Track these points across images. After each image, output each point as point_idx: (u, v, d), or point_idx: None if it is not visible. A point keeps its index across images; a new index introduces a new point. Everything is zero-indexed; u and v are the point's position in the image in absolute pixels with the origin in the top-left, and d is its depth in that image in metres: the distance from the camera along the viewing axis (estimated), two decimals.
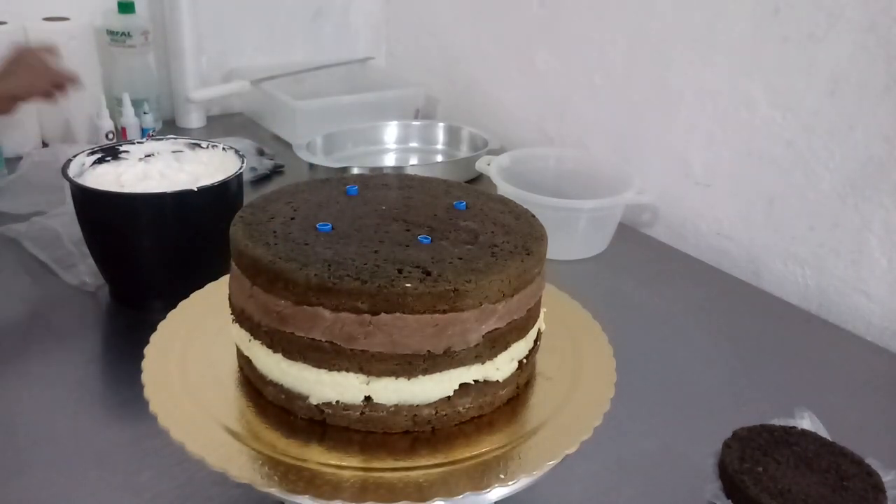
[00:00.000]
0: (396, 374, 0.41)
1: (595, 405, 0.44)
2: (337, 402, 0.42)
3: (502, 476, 0.39)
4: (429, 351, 0.40)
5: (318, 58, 1.44)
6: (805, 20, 0.80)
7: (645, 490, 0.55)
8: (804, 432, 0.57)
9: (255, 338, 0.43)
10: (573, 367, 0.49)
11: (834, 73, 0.79)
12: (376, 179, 0.54)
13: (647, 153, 1.02)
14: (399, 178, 0.54)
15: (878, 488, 0.52)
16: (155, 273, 0.72)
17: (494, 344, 0.43)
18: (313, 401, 0.42)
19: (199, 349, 0.48)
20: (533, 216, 0.49)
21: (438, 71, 1.40)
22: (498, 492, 0.40)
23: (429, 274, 0.40)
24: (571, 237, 0.88)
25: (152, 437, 0.54)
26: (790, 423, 0.58)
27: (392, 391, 0.41)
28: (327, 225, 0.44)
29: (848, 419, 0.61)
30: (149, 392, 0.44)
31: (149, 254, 0.70)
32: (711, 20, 0.90)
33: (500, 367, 0.44)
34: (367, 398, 0.41)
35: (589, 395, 0.46)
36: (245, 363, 0.46)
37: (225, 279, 0.50)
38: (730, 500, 0.52)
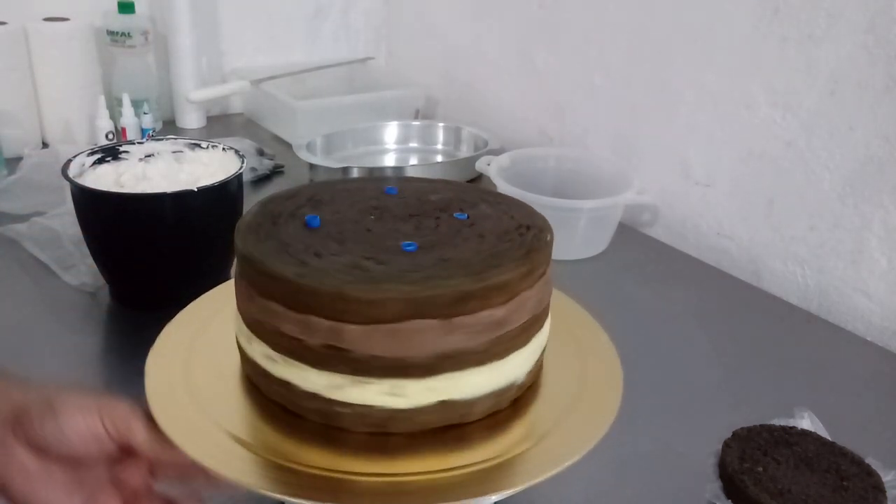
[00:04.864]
0: (398, 376, 0.41)
1: (600, 413, 0.44)
2: (339, 404, 0.42)
3: (506, 480, 0.39)
4: (431, 353, 0.40)
5: (318, 58, 1.44)
6: (805, 20, 0.80)
7: (645, 490, 0.55)
8: (804, 432, 0.57)
9: (258, 340, 0.43)
10: (578, 370, 0.48)
11: (834, 73, 0.79)
12: (404, 182, 0.53)
13: (647, 153, 1.02)
14: (399, 179, 0.54)
15: (878, 488, 0.52)
16: (155, 273, 0.72)
17: (498, 346, 0.43)
18: (316, 403, 0.42)
19: (203, 351, 0.48)
20: (539, 216, 0.49)
21: (438, 71, 1.40)
22: (498, 492, 0.40)
23: (430, 276, 0.40)
24: (571, 237, 0.88)
25: None
26: (790, 423, 0.58)
27: (394, 394, 0.41)
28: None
29: (848, 419, 0.61)
30: (150, 392, 0.44)
31: (149, 254, 0.70)
32: (711, 20, 0.90)
33: (505, 370, 0.44)
34: (368, 400, 0.41)
35: (594, 401, 0.45)
36: (248, 366, 0.46)
37: (233, 282, 0.50)
38: (730, 500, 0.53)
